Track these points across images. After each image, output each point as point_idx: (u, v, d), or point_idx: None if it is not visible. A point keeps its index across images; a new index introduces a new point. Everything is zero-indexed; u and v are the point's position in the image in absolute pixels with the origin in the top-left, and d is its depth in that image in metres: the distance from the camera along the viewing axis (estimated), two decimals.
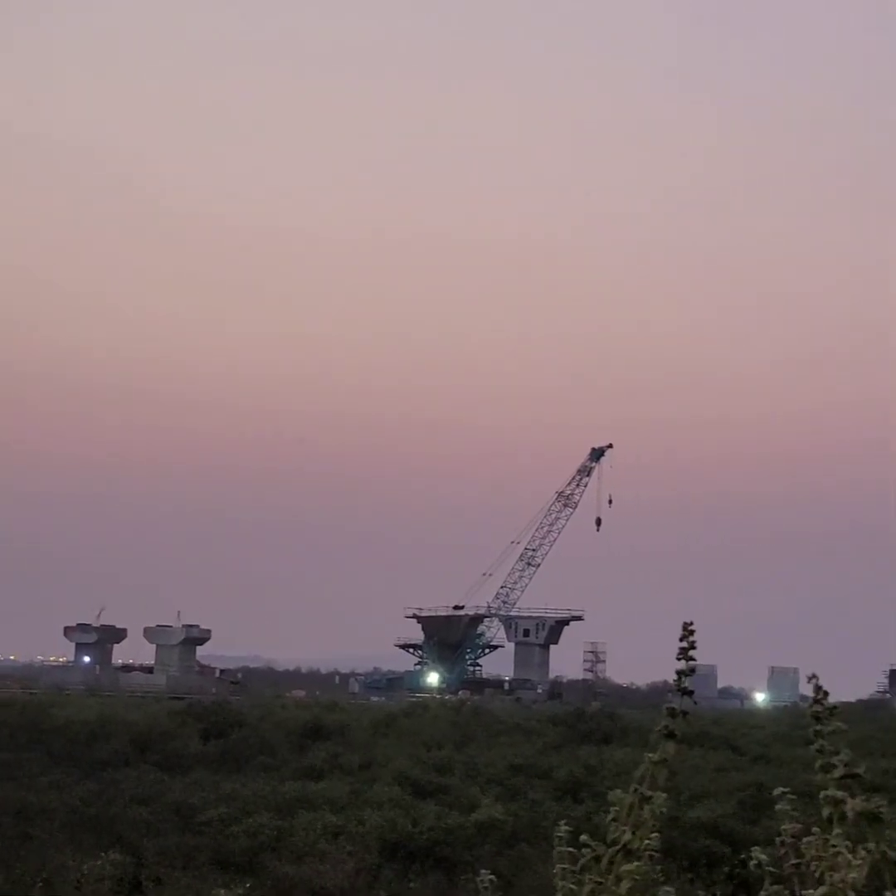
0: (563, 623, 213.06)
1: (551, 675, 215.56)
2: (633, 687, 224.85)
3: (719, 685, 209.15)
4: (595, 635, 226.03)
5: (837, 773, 2.24)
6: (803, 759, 72.89)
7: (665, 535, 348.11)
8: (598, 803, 49.32)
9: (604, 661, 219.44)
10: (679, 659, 3.43)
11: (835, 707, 2.77)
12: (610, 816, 3.22)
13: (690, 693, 3.38)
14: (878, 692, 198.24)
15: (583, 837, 3.25)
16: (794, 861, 2.83)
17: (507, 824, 47.71)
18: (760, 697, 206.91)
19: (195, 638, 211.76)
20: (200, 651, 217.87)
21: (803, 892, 2.78)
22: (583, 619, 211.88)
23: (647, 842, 3.23)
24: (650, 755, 3.26)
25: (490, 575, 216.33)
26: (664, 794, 3.21)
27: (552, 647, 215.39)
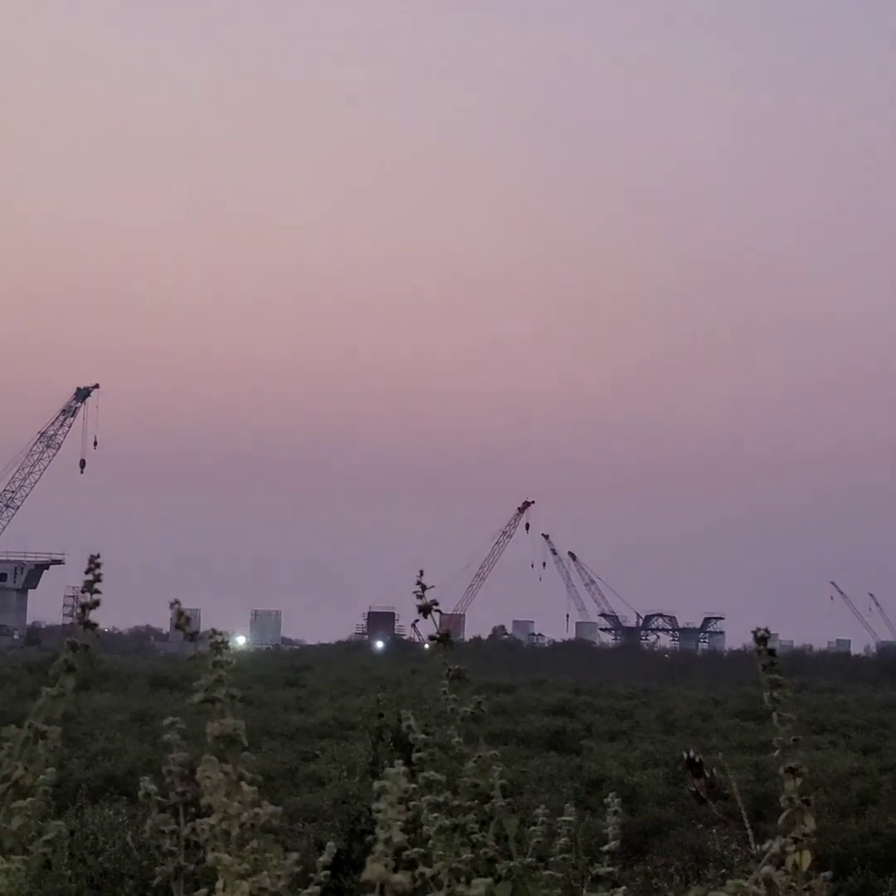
0: (42, 567, 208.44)
1: (29, 621, 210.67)
2: (116, 631, 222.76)
3: (202, 628, 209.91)
4: (77, 579, 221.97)
5: (197, 698, 2.28)
6: (283, 700, 74.69)
7: (151, 477, 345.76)
8: (72, 749, 48.67)
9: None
10: (83, 592, 3.37)
11: (225, 642, 2.78)
12: (3, 752, 3.13)
13: (93, 626, 3.33)
14: (357, 634, 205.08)
15: None
16: (180, 789, 2.85)
17: None
18: (242, 640, 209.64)
19: None
20: None
21: (197, 821, 2.78)
22: (63, 563, 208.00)
23: (41, 777, 3.16)
24: (47, 689, 3.19)
25: None
26: (59, 729, 3.15)
27: (31, 591, 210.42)
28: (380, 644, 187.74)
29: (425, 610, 3.56)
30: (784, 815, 2.87)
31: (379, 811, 1.83)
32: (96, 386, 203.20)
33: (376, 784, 1.82)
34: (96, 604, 3.33)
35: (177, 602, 2.48)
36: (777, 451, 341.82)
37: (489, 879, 2.67)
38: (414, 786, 3.16)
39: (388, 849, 1.86)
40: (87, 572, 3.38)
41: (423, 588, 3.55)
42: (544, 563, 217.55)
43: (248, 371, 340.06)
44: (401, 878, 1.86)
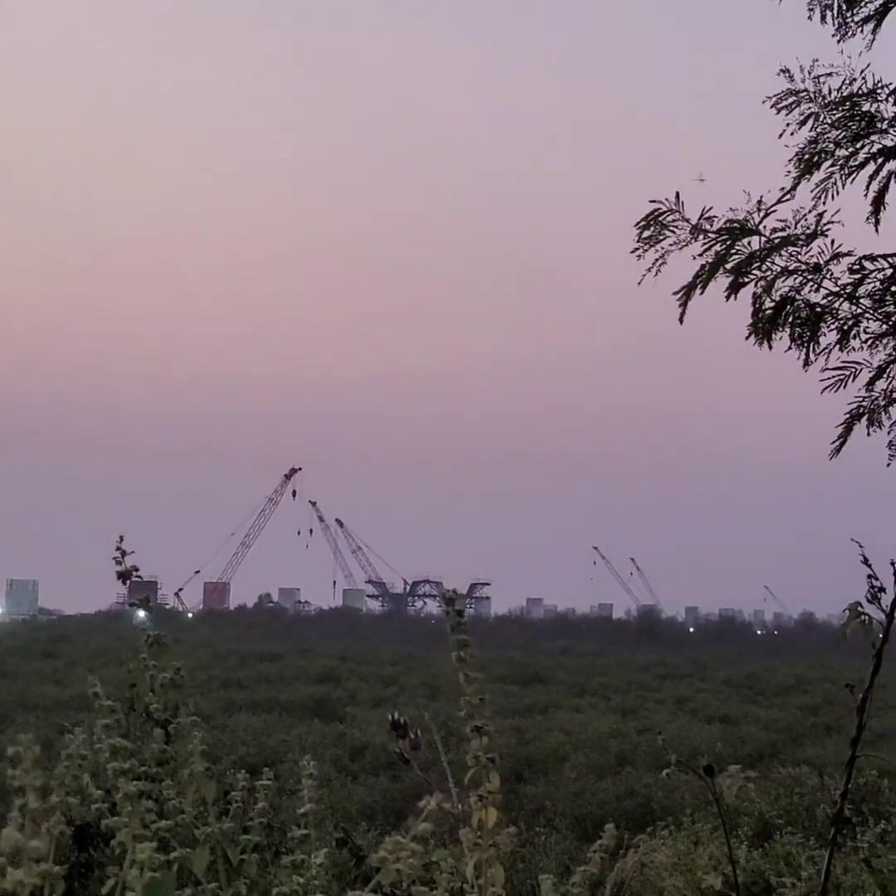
0: None
1: None
2: None
3: None
4: None
5: None
6: (40, 672, 73.07)
7: None
8: None
9: None
10: None
11: None
12: None
13: None
14: (118, 603, 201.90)
15: None
16: None
17: None
18: None
19: None
20: None
21: None
22: None
23: None
24: None
25: None
26: None
27: None
28: (142, 614, 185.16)
29: (124, 576, 3.50)
30: (470, 772, 2.91)
31: (13, 778, 1.79)
32: None
33: (10, 750, 1.78)
34: None
35: None
36: (545, 413, 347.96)
37: (153, 844, 2.64)
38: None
39: (24, 815, 1.82)
40: None
41: (123, 554, 3.49)
42: (311, 530, 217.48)
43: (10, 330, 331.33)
44: (39, 844, 1.82)
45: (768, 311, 8.07)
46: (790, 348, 8.12)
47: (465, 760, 2.88)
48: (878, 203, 8.09)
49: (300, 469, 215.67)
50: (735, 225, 7.86)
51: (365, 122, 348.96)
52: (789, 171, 8.14)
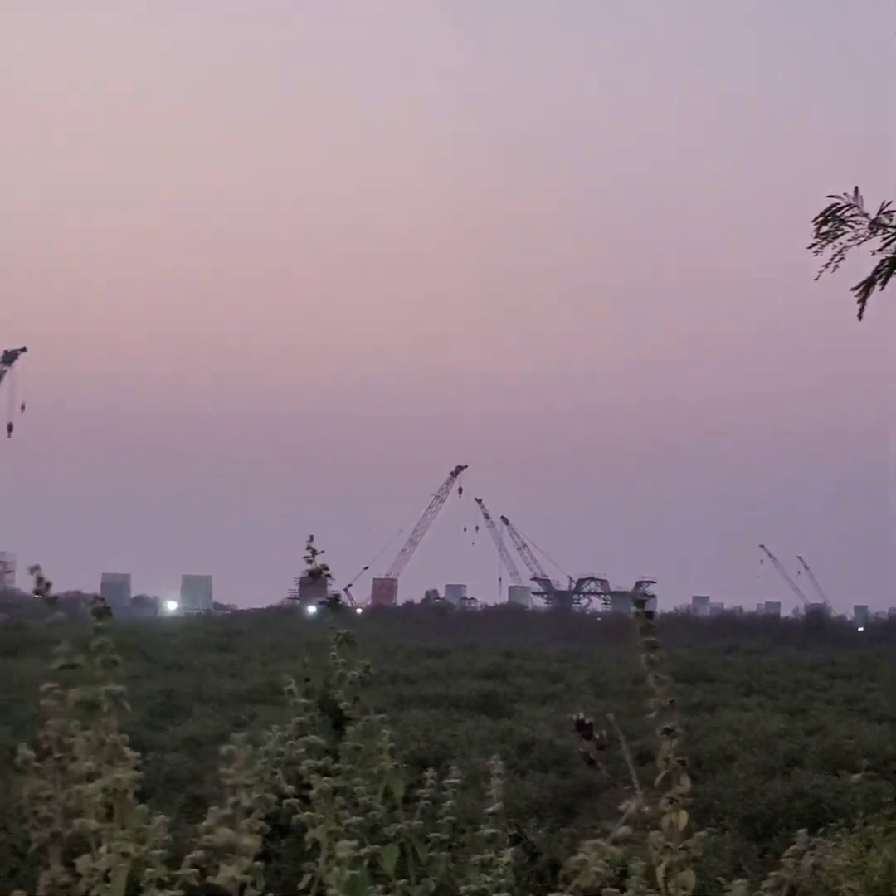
0: None
1: None
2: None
3: (133, 594, 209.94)
4: (1, 546, 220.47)
5: (57, 663, 2.27)
6: (215, 666, 74.54)
7: (81, 444, 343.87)
8: (2, 717, 48.38)
9: (12, 572, 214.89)
10: None
11: (107, 608, 2.76)
12: None
13: None
14: (290, 599, 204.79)
15: None
16: (57, 755, 2.84)
17: None
18: (173, 606, 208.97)
19: None
20: None
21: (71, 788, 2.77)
22: None
23: None
24: None
25: None
26: None
27: None
28: (312, 609, 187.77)
29: (315, 574, 3.57)
30: (660, 775, 2.91)
31: (226, 776, 1.83)
32: (24, 349, 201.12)
33: (223, 748, 1.83)
34: None
35: (37, 567, 2.47)
36: (708, 415, 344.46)
37: (355, 842, 2.68)
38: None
39: (237, 812, 1.86)
40: None
41: (314, 553, 3.55)
42: (477, 528, 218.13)
43: (182, 344, 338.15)
44: (250, 841, 1.87)
45: None
46: None
47: (656, 763, 2.87)
48: None
49: (466, 467, 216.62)
50: None
51: (515, 120, 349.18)
52: None
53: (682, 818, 2.92)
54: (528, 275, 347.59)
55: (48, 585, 2.47)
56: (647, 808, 2.60)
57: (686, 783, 2.89)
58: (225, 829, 1.81)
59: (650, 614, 2.90)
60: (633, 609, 2.86)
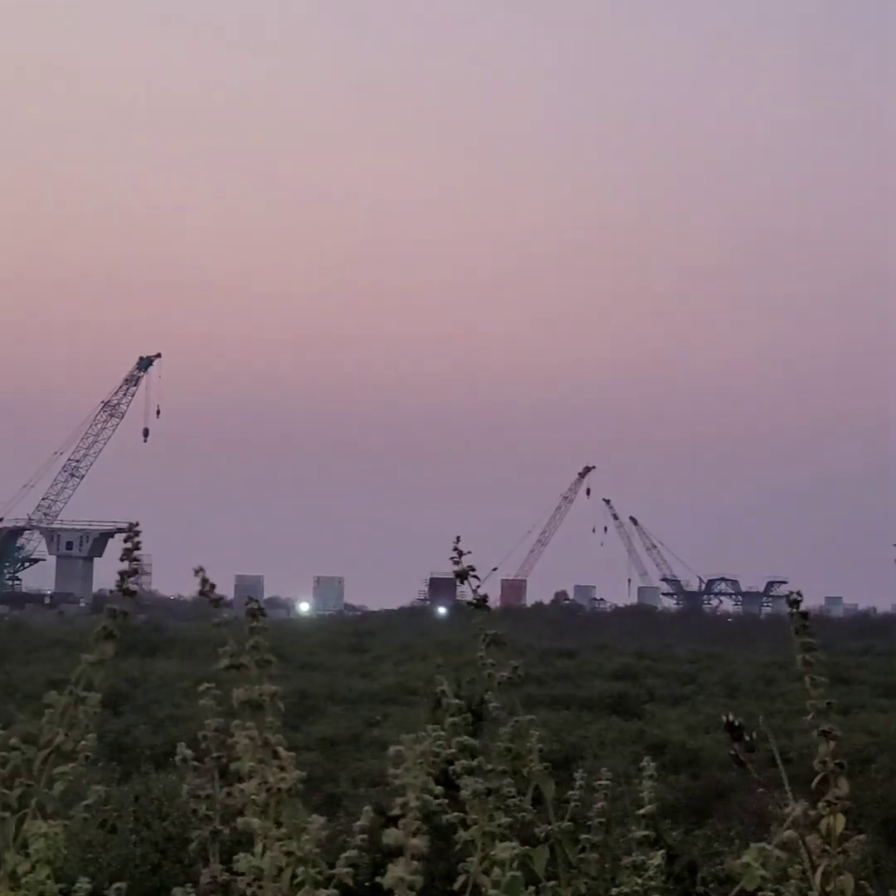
0: (107, 535, 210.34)
1: (95, 589, 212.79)
2: (181, 599, 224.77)
3: (266, 595, 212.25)
4: (142, 548, 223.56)
5: (222, 663, 2.30)
6: (347, 666, 75.11)
7: (214, 446, 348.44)
8: (138, 716, 49.20)
9: (150, 574, 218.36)
10: (122, 560, 3.40)
11: (261, 609, 2.80)
12: (44, 719, 3.18)
13: (132, 594, 3.36)
14: (420, 600, 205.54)
15: (12, 740, 3.21)
16: (215, 755, 2.88)
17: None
18: (306, 607, 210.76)
19: None
20: None
21: (233, 786, 2.81)
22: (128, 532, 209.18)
23: (82, 743, 3.20)
24: (86, 656, 3.23)
25: (32, 486, 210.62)
26: (99, 695, 3.18)
27: (97, 559, 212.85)
28: (442, 610, 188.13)
29: (462, 575, 3.58)
30: (817, 778, 2.87)
31: (395, 777, 1.84)
32: (159, 355, 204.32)
33: (391, 749, 1.84)
34: (135, 572, 3.36)
35: (201, 569, 2.51)
36: (842, 411, 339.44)
37: (514, 843, 2.69)
38: (451, 751, 3.18)
39: (407, 813, 1.87)
40: (125, 541, 3.41)
41: (460, 554, 3.56)
42: (606, 528, 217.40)
43: (311, 344, 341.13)
44: (418, 842, 1.88)
45: None
46: None
47: (813, 765, 2.84)
48: None
49: (594, 467, 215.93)
50: None
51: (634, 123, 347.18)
52: None
53: (839, 822, 2.88)
54: (648, 272, 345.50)
55: (213, 587, 2.50)
56: (811, 812, 2.57)
57: (844, 786, 2.86)
58: (394, 830, 1.82)
59: (805, 615, 2.87)
60: (790, 610, 2.83)
